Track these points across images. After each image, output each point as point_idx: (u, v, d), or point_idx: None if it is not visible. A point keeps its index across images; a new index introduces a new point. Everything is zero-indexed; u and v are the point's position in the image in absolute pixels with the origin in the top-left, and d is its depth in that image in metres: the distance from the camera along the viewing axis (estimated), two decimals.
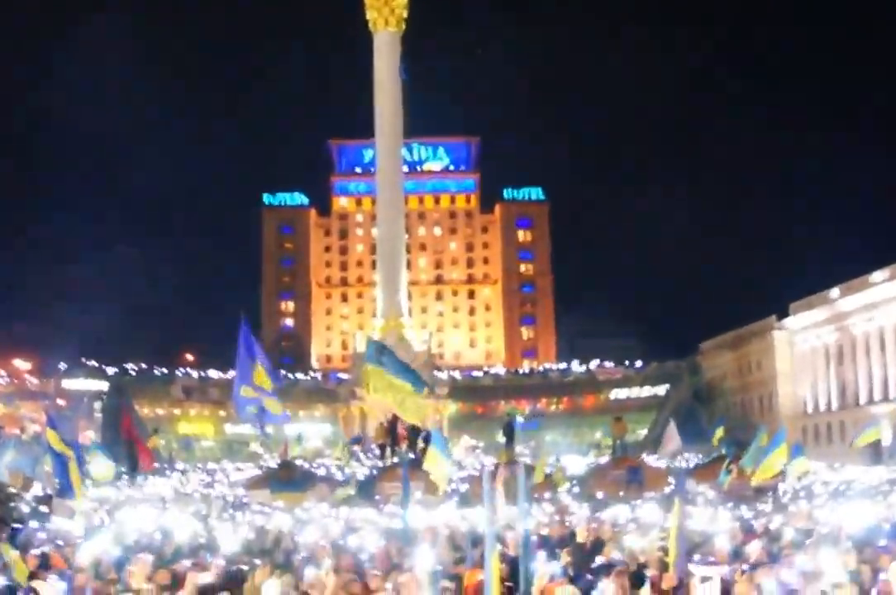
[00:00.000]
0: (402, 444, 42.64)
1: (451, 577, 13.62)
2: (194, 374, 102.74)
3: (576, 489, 36.18)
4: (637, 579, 13.36)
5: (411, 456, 36.79)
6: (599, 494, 34.77)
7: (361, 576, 14.31)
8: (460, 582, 13.42)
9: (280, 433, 58.78)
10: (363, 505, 30.65)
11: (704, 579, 13.42)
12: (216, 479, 40.23)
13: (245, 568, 14.81)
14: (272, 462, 42.21)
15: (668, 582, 13.17)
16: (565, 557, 15.46)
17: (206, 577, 13.53)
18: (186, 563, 15.24)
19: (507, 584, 12.44)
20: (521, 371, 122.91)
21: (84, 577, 13.38)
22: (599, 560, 15.15)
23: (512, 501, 27.34)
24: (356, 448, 48.32)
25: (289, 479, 36.74)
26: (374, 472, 38.68)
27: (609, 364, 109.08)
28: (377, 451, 45.38)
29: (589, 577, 14.03)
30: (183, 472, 41.95)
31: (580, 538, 16.17)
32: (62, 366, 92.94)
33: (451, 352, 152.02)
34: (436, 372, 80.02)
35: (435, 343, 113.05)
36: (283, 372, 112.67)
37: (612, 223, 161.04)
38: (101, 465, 30.70)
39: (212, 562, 15.66)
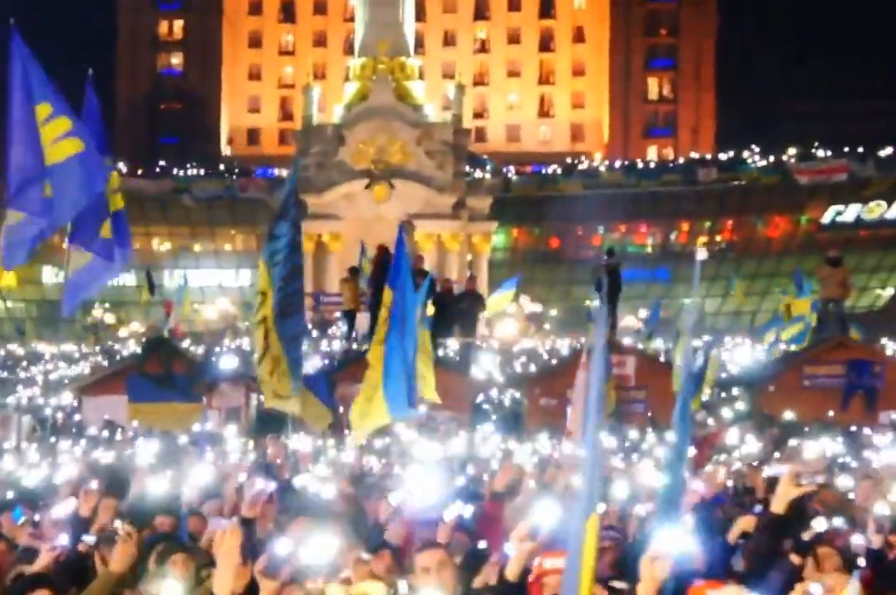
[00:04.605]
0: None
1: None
2: None
3: (740, 405, 31.06)
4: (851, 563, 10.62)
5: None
6: (789, 414, 29.19)
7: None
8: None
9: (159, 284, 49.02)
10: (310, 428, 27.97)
11: None
12: (22, 375, 35.07)
13: (86, 544, 11.68)
14: (132, 342, 36.35)
15: None
16: (736, 531, 12.37)
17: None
18: None
19: (613, 583, 9.77)
20: (640, 165, 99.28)
21: None
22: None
23: (608, 421, 26.33)
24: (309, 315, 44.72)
25: (165, 375, 29.12)
26: (336, 362, 34.64)
27: (823, 154, 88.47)
28: (344, 325, 41.08)
29: (778, 571, 11.02)
30: None
31: (778, 509, 10.76)
32: None
33: (500, 126, 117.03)
34: (468, 167, 68.51)
35: (469, 107, 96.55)
36: (161, 163, 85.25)
37: None
38: None
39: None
